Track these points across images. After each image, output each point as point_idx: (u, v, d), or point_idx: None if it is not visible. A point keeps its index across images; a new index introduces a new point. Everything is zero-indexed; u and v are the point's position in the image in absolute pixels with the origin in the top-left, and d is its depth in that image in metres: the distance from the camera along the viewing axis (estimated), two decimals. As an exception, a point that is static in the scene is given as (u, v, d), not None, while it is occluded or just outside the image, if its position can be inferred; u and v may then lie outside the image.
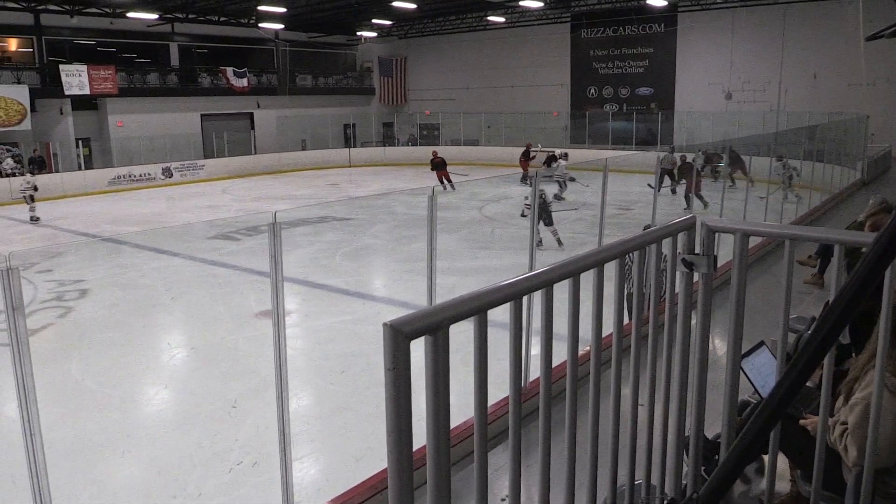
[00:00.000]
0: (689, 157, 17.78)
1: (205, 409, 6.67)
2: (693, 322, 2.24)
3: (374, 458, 4.56)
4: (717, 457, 2.65)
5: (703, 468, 2.42)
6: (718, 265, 2.25)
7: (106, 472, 5.65)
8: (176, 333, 9.63)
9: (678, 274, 2.18)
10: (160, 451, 5.95)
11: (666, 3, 26.58)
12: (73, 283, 11.60)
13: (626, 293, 3.14)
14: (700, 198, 14.54)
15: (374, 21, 31.47)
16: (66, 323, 9.70)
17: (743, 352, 2.60)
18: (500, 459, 3.10)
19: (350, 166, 30.82)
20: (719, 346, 5.01)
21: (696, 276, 2.19)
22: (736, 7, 26.85)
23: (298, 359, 7.67)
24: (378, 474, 4.23)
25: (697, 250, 2.15)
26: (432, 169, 23.28)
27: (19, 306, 2.96)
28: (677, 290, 2.22)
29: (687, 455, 2.35)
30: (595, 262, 1.81)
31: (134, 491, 5.35)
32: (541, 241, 13.00)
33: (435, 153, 23.91)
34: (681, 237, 2.15)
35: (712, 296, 2.26)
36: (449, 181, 22.96)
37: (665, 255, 2.23)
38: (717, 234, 2.18)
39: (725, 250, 2.45)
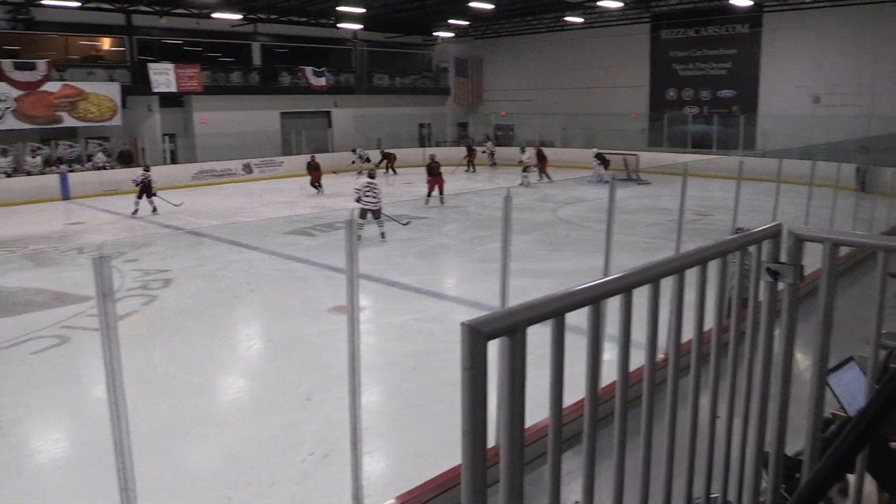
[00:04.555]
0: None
1: (279, 400, 6.84)
2: (776, 333, 2.17)
3: (442, 457, 4.57)
4: (797, 475, 2.56)
5: (782, 486, 2.34)
6: (805, 274, 2.17)
7: (185, 455, 5.86)
8: (253, 325, 9.91)
9: (762, 283, 2.11)
10: (236, 439, 6.13)
11: (751, 2, 25.76)
12: (157, 272, 12.07)
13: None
14: None
15: (451, 21, 31.60)
16: (151, 311, 10.10)
17: (830, 367, 2.50)
18: (568, 465, 3.06)
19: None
20: (802, 359, 4.83)
21: (780, 286, 2.12)
22: (825, 7, 25.79)
23: (370, 354, 7.76)
24: (445, 473, 4.26)
25: (783, 259, 2.08)
26: (308, 170, 23.87)
27: (109, 293, 3.08)
28: (760, 299, 2.15)
29: (766, 471, 2.28)
30: (675, 268, 1.77)
31: (211, 475, 5.53)
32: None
33: (313, 157, 24.50)
34: (766, 245, 2.08)
35: (798, 307, 2.18)
36: (319, 184, 23.43)
37: (748, 264, 2.17)
38: (803, 243, 2.10)
39: (810, 259, 2.36)
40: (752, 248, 2.08)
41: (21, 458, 5.93)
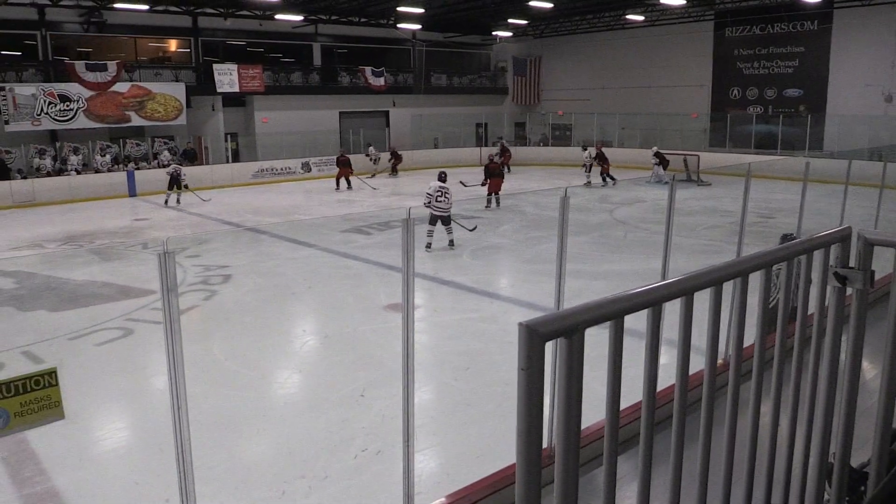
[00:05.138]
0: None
1: (333, 396, 6.93)
2: (843, 340, 2.10)
3: (494, 457, 4.56)
4: (863, 488, 2.47)
5: (846, 499, 2.27)
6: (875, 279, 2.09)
7: (241, 447, 5.98)
8: (309, 321, 10.06)
9: (829, 288, 2.04)
10: (291, 433, 6.23)
11: (821, -1, 24.99)
12: (218, 268, 12.36)
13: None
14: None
15: (510, 21, 31.51)
16: (211, 305, 10.35)
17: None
18: (622, 468, 3.02)
19: (481, 165, 30.98)
20: (870, 367, 4.66)
21: (848, 291, 2.04)
22: (901, 2, 24.81)
23: (424, 353, 7.79)
24: (497, 473, 4.24)
25: (852, 264, 2.00)
26: (337, 165, 24.54)
27: (173, 287, 3.16)
28: (826, 304, 2.08)
29: (829, 483, 2.20)
30: (739, 271, 1.73)
31: (266, 467, 5.63)
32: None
33: (343, 152, 25.23)
34: (834, 249, 2.02)
35: (866, 313, 2.10)
36: (348, 181, 24.04)
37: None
38: (873, 247, 2.03)
39: (879, 264, 2.28)
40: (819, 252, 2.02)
41: (86, 445, 6.15)
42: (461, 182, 19.79)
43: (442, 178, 14.02)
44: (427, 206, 13.49)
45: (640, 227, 16.18)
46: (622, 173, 25.59)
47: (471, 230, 14.51)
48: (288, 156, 27.69)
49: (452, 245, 13.67)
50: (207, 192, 23.30)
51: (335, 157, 25.38)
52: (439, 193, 13.44)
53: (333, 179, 24.72)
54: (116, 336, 8.86)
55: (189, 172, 23.70)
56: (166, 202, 20.92)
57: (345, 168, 24.18)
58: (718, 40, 30.28)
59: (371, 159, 27.76)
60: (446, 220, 13.56)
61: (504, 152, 29.35)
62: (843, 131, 25.79)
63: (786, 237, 6.57)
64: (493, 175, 18.98)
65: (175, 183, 20.86)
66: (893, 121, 24.43)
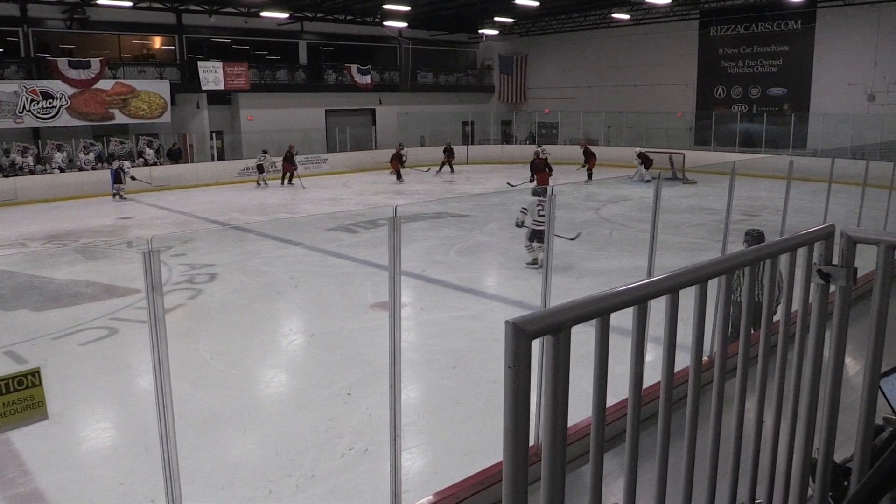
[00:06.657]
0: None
1: (320, 395, 6.91)
2: (826, 336, 2.12)
3: (482, 455, 4.57)
4: (846, 483, 2.49)
5: (830, 494, 2.29)
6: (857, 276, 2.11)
7: (227, 447, 5.95)
8: (295, 320, 10.03)
9: (812, 285, 2.06)
10: (278, 432, 6.21)
11: (804, -2, 25.20)
12: (203, 267, 12.29)
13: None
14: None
15: (497, 19, 31.54)
16: (196, 304, 10.29)
17: (882, 371, 2.43)
18: (608, 465, 3.03)
19: (467, 163, 31.01)
20: (853, 363, 4.71)
21: (831, 288, 2.06)
22: (881, 1, 25.04)
23: (410, 351, 7.79)
24: (485, 470, 4.25)
25: (835, 261, 2.02)
26: (284, 161, 24.82)
27: (158, 286, 3.14)
28: (810, 301, 2.10)
29: (812, 478, 2.22)
30: (724, 269, 1.74)
31: (252, 466, 5.61)
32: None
33: (291, 146, 25.33)
34: (817, 247, 2.03)
35: (849, 310, 2.12)
36: (291, 177, 24.56)
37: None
38: (856, 245, 2.04)
39: (862, 262, 2.30)
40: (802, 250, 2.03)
41: (70, 445, 6.10)
42: (508, 183, 20.07)
43: (538, 192, 12.56)
44: (521, 225, 12.13)
45: (626, 225, 16.25)
46: (608, 171, 25.70)
47: (572, 239, 12.64)
48: (274, 154, 27.54)
49: (538, 263, 11.89)
50: (190, 190, 23.29)
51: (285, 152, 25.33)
52: (540, 207, 11.83)
53: (321, 178, 24.70)
54: (101, 335, 8.79)
55: (174, 171, 23.63)
56: (114, 196, 21.77)
57: (289, 164, 24.41)
58: (703, 39, 30.46)
59: (265, 167, 24.95)
60: (542, 238, 11.70)
61: (449, 154, 28.86)
62: (826, 130, 26.02)
63: (749, 233, 6.61)
64: (539, 170, 20.05)
65: (119, 177, 21.70)
66: (876, 119, 24.67)
